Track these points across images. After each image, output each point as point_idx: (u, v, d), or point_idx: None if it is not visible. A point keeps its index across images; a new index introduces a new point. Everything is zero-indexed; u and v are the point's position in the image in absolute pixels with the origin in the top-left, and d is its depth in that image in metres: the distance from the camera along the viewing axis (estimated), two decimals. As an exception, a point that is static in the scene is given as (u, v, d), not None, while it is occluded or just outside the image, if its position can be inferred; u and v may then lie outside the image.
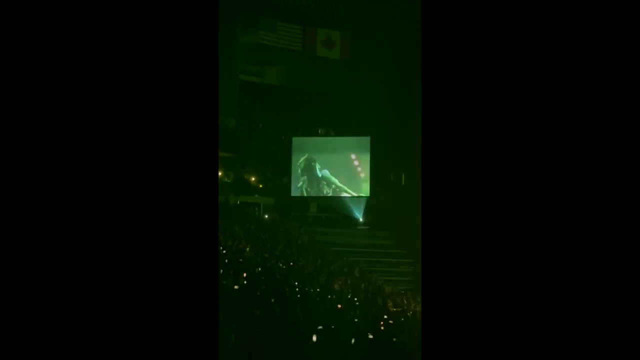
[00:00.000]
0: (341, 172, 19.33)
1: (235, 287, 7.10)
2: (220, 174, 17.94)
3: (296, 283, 9.57)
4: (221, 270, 7.43)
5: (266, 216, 18.58)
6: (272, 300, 6.97)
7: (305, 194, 19.39)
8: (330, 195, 19.37)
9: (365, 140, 19.18)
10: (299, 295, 8.55)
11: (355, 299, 10.57)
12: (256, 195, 19.62)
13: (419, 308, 13.07)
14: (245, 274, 8.13)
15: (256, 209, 18.97)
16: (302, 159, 19.38)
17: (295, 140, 19.70)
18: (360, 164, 19.24)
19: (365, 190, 19.15)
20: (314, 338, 5.73)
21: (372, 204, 19.17)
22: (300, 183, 19.29)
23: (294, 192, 19.37)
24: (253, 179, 20.13)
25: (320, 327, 6.13)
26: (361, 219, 19.19)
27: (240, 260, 9.85)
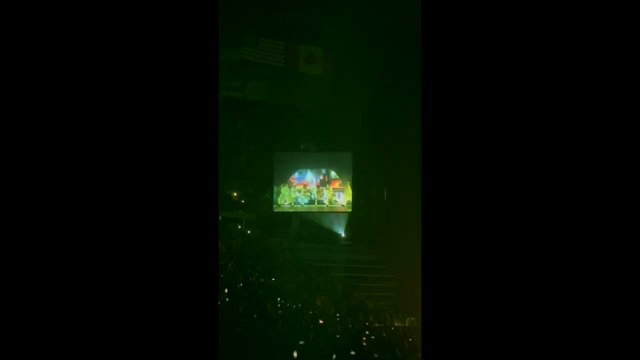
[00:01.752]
0: (323, 187, 19.34)
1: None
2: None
3: (278, 299, 9.53)
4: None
5: (248, 232, 18.50)
6: (254, 316, 6.95)
7: (289, 209, 19.35)
8: (313, 210, 19.35)
9: (347, 156, 19.25)
10: (280, 311, 8.51)
11: (337, 314, 10.55)
12: (239, 211, 19.54)
13: (401, 323, 13.07)
14: (226, 290, 8.09)
15: (238, 224, 18.89)
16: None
17: (277, 155, 19.69)
18: (342, 180, 19.27)
19: (347, 205, 19.17)
20: (295, 354, 5.71)
21: (354, 219, 19.18)
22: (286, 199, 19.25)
23: (277, 208, 19.33)
24: (235, 194, 20.06)
25: (301, 342, 6.11)
26: (343, 234, 19.19)
27: (222, 275, 9.80)
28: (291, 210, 19.42)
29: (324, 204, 19.24)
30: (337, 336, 8.10)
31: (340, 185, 19.23)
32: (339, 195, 19.25)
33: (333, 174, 19.29)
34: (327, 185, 19.16)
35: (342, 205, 19.20)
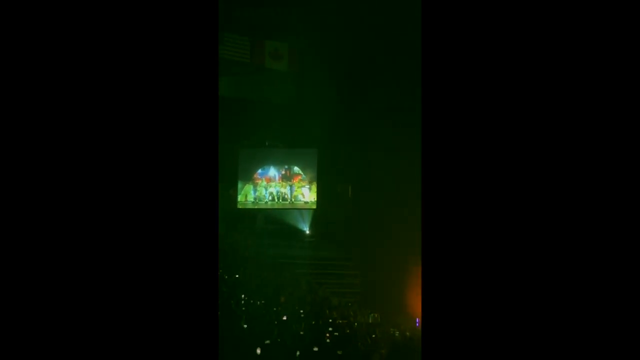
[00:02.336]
0: (286, 182, 19.34)
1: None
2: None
3: (242, 295, 9.51)
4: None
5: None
6: (218, 313, 6.92)
7: (253, 205, 19.29)
8: (277, 207, 19.33)
9: (313, 152, 19.28)
10: (244, 308, 8.50)
11: (301, 311, 10.58)
12: (203, 207, 19.37)
13: (364, 319, 13.18)
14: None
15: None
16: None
17: (241, 151, 19.61)
18: (306, 176, 19.29)
19: (312, 202, 19.20)
20: (259, 351, 5.72)
21: (319, 216, 19.23)
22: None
23: (241, 204, 19.25)
24: (199, 190, 19.86)
25: (267, 341, 6.13)
26: (308, 231, 19.23)
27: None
28: (255, 207, 19.37)
29: (289, 200, 19.23)
30: (301, 332, 8.13)
31: (302, 180, 19.23)
32: (304, 192, 19.26)
33: (296, 169, 19.28)
34: (290, 181, 19.15)
35: (307, 202, 19.22)
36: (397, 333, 12.07)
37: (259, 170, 19.40)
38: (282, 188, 19.31)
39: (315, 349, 7.03)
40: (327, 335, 8.57)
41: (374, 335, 10.87)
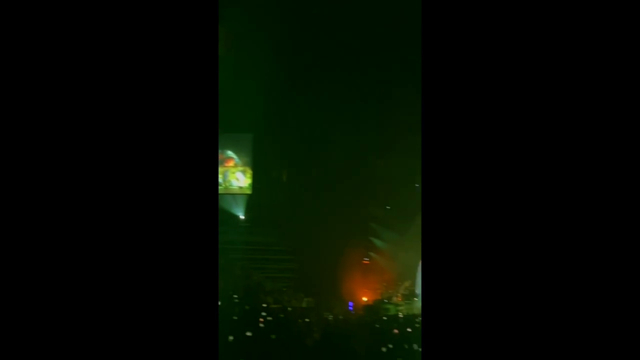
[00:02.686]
0: (223, 168, 19.15)
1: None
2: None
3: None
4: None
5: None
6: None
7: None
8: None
9: (248, 137, 19.15)
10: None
11: (235, 296, 10.57)
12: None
13: (298, 304, 13.30)
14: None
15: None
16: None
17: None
18: (240, 161, 19.16)
19: (247, 187, 19.11)
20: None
21: (254, 201, 19.17)
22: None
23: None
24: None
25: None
26: (243, 216, 19.15)
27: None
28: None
29: (223, 185, 19.07)
30: (235, 317, 8.13)
31: (236, 165, 19.09)
32: (238, 177, 19.14)
33: (229, 152, 19.11)
34: (223, 165, 18.96)
35: (242, 187, 19.11)
36: (330, 317, 12.24)
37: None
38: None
39: (249, 333, 7.05)
40: (261, 320, 8.61)
41: (307, 320, 11.00)
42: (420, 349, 6.53)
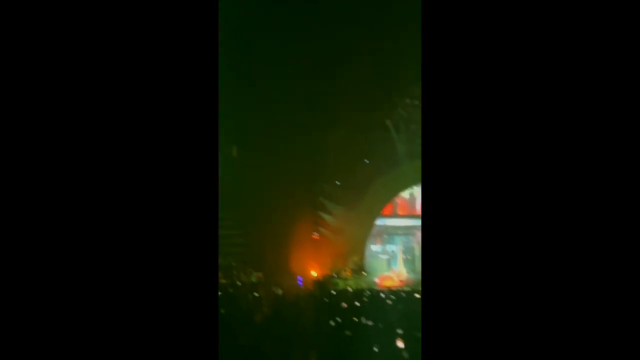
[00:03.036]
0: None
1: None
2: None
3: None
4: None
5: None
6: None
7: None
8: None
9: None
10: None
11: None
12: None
13: (248, 279, 13.33)
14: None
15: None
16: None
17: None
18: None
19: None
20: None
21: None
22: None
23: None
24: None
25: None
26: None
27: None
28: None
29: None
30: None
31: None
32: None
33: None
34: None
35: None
36: (280, 291, 12.32)
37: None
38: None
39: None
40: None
41: (256, 294, 11.03)
42: (369, 323, 6.67)
